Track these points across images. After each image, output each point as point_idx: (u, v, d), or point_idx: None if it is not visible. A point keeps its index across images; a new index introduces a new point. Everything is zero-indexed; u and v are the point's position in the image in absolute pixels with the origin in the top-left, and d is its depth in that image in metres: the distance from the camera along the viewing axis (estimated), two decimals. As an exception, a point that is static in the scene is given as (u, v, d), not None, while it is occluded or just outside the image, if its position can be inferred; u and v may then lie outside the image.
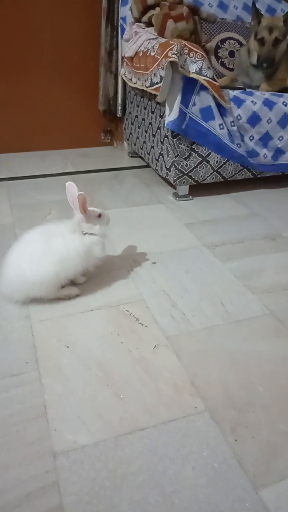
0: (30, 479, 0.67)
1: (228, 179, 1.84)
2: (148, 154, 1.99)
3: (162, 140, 1.79)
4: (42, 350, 0.94)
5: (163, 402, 0.81)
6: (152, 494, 0.65)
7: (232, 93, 1.71)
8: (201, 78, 1.55)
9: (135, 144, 2.20)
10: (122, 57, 2.13)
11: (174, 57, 1.48)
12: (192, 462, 0.70)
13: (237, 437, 0.75)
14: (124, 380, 0.86)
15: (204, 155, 1.73)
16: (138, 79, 1.85)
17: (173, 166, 1.73)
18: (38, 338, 0.98)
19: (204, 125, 1.64)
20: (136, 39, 1.87)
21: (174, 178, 1.76)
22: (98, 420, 0.77)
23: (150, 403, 0.81)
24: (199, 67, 1.53)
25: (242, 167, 1.81)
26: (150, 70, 1.66)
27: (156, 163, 1.89)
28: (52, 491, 0.65)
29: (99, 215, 1.11)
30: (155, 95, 1.65)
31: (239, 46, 2.09)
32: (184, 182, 1.77)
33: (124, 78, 2.09)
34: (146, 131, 1.99)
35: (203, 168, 1.76)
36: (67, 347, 0.95)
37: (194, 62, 1.53)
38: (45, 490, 0.66)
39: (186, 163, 1.73)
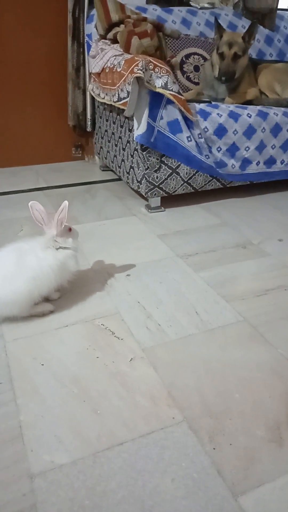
0: (6, 504, 0.65)
1: (199, 190, 1.87)
2: (119, 167, 2.01)
3: (132, 154, 1.81)
4: (17, 369, 0.92)
5: (141, 415, 0.81)
6: (132, 509, 0.65)
7: (198, 106, 1.75)
8: (167, 93, 1.58)
9: (106, 158, 2.21)
10: (90, 73, 2.15)
11: (139, 73, 1.51)
12: (171, 474, 0.70)
13: (215, 446, 0.75)
14: (101, 395, 0.85)
15: (174, 167, 1.76)
16: (106, 94, 1.87)
17: (144, 178, 1.75)
18: (12, 358, 0.96)
19: (172, 138, 1.68)
20: (102, 55, 1.90)
21: (146, 191, 1.78)
22: (75, 437, 0.76)
23: (128, 417, 0.81)
24: (165, 82, 1.57)
25: (211, 178, 1.85)
26: (117, 85, 1.68)
27: (128, 176, 1.91)
28: (29, 515, 0.64)
29: (70, 229, 1.11)
30: (123, 110, 1.68)
31: (203, 60, 2.15)
32: (155, 194, 1.80)
33: (92, 94, 2.12)
34: (116, 145, 2.01)
35: (173, 179, 1.79)
36: (42, 365, 0.94)
37: (160, 77, 1.57)
38: (23, 514, 0.64)
39: (157, 175, 1.75)
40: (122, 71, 1.63)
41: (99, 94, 2.00)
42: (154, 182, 1.76)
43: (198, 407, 0.83)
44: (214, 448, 0.75)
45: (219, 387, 0.88)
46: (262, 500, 0.66)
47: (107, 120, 2.10)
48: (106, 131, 2.14)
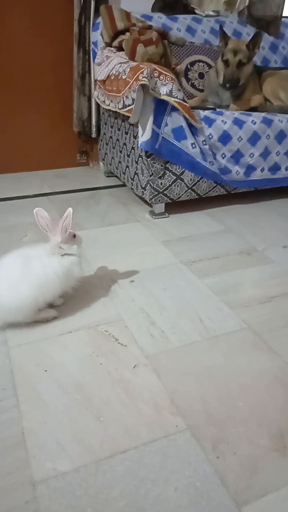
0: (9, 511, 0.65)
1: (203, 196, 1.88)
2: (124, 173, 2.01)
3: (136, 160, 1.82)
4: (20, 375, 0.93)
5: (144, 422, 0.81)
6: (134, 518, 0.64)
7: (203, 113, 1.76)
8: (171, 100, 1.59)
9: (110, 164, 2.22)
10: (95, 80, 2.17)
11: (144, 80, 1.52)
12: (174, 483, 0.70)
13: (219, 454, 0.75)
14: (104, 402, 0.85)
15: (178, 173, 1.77)
16: (111, 101, 1.88)
17: (148, 185, 1.75)
18: (16, 363, 0.96)
19: (177, 145, 1.68)
20: (108, 63, 1.92)
21: (150, 197, 1.78)
22: (78, 444, 0.76)
23: (131, 424, 0.80)
24: (170, 89, 1.58)
25: (216, 184, 1.86)
26: (122, 92, 1.70)
27: (132, 182, 1.92)
28: (32, 522, 0.64)
29: (74, 235, 1.12)
30: (128, 117, 1.69)
31: (208, 68, 2.16)
32: (159, 200, 1.80)
33: (98, 101, 2.13)
34: (120, 151, 2.02)
35: (177, 186, 1.79)
36: (46, 371, 0.94)
37: (165, 85, 1.58)
38: (25, 522, 0.64)
39: (161, 182, 1.76)
40: (127, 79, 1.64)
41: (104, 101, 2.01)
42: (158, 188, 1.77)
43: (201, 415, 0.83)
44: (217, 457, 0.74)
45: (222, 395, 0.88)
46: (265, 510, 0.66)
47: (112, 127, 2.12)
48: (110, 137, 2.15)
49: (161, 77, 1.57)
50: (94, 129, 2.40)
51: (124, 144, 1.95)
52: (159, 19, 2.21)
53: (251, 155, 1.85)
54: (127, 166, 1.95)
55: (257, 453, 0.75)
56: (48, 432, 0.78)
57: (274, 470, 0.72)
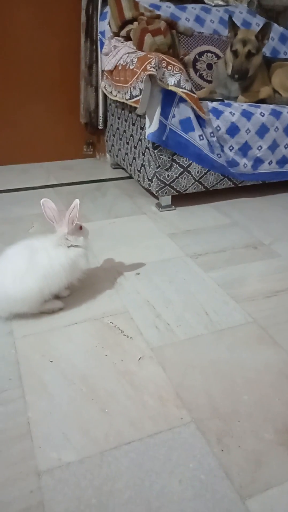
0: (14, 501, 0.66)
1: (210, 189, 1.86)
2: (130, 165, 2.00)
3: (143, 152, 1.81)
4: (26, 366, 0.93)
5: (149, 415, 0.81)
6: (138, 510, 0.64)
7: (211, 104, 1.74)
8: (179, 91, 1.57)
9: (117, 156, 2.21)
10: (102, 71, 2.15)
11: (152, 71, 1.50)
12: (178, 475, 0.70)
13: (223, 447, 0.75)
14: (109, 394, 0.85)
15: (185, 166, 1.75)
16: (118, 92, 1.87)
17: (155, 177, 1.74)
18: (22, 354, 0.96)
19: (184, 136, 1.67)
20: (115, 53, 1.90)
21: (157, 189, 1.77)
22: (83, 436, 0.76)
23: (136, 417, 0.80)
24: (178, 80, 1.56)
25: (223, 177, 1.84)
26: (130, 83, 1.68)
27: (138, 174, 1.91)
28: (36, 512, 0.64)
29: (80, 227, 1.11)
30: (135, 108, 1.67)
31: (216, 59, 2.14)
32: (166, 193, 1.79)
33: (105, 91, 2.11)
34: (127, 143, 2.01)
35: (184, 178, 1.78)
36: (51, 362, 0.94)
37: (173, 75, 1.56)
38: (30, 511, 0.64)
39: (168, 174, 1.75)
40: (135, 69, 1.62)
41: (111, 92, 1.99)
42: (165, 181, 1.75)
43: (206, 408, 0.83)
44: (222, 450, 0.74)
45: (227, 388, 0.88)
46: (269, 504, 0.66)
47: (119, 118, 2.10)
48: (117, 129, 2.14)
49: (169, 68, 1.55)
50: (101, 120, 2.38)
51: (131, 135, 1.94)
52: (168, 9, 2.18)
53: (259, 148, 1.83)
54: (134, 158, 1.93)
55: (261, 447, 0.75)
56: (53, 423, 0.79)
57: (278, 464, 0.72)
